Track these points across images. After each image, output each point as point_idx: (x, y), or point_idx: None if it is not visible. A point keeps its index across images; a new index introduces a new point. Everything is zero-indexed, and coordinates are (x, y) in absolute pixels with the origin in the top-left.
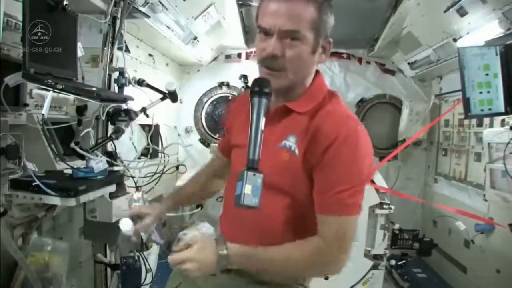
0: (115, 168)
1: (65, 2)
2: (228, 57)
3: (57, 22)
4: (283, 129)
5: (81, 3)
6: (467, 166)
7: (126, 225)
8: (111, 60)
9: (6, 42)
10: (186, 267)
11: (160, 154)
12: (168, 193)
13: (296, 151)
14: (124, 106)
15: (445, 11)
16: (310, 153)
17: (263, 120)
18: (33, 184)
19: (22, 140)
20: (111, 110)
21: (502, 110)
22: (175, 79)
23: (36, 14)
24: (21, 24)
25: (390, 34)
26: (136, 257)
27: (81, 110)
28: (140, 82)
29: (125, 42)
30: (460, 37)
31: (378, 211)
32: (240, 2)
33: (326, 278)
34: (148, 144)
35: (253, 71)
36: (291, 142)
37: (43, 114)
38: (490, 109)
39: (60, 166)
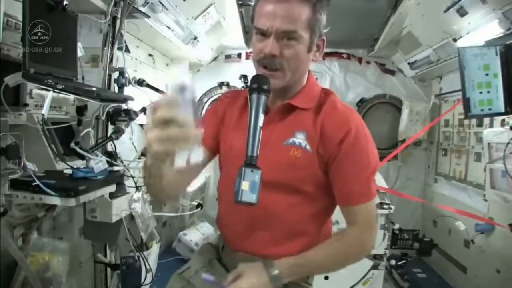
0: (115, 168)
1: (65, 2)
2: (228, 57)
3: (57, 22)
4: (289, 127)
5: (81, 3)
6: (467, 166)
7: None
8: (111, 60)
9: (6, 42)
10: None
11: None
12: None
13: (308, 147)
14: (124, 106)
15: (445, 11)
16: (323, 148)
17: (261, 117)
18: (33, 184)
19: (22, 140)
20: (111, 110)
21: (502, 110)
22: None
23: (36, 14)
24: (21, 24)
25: (390, 34)
26: (136, 257)
27: (81, 110)
28: (140, 82)
29: (125, 42)
30: (460, 37)
31: (378, 211)
32: (240, 2)
33: (326, 278)
34: None
35: (253, 71)
36: (300, 139)
37: (43, 114)
38: (490, 109)
39: (60, 166)
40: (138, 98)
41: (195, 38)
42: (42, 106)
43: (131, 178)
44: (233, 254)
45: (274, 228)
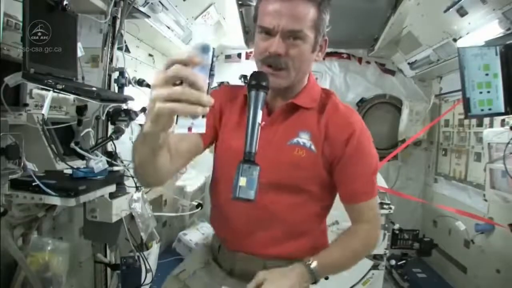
0: (115, 168)
1: (65, 2)
2: (228, 57)
3: (57, 22)
4: (292, 126)
5: (81, 3)
6: (467, 166)
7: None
8: (111, 60)
9: (6, 42)
10: None
11: None
12: (168, 193)
13: (313, 147)
14: (124, 106)
15: (445, 11)
16: (328, 149)
17: (260, 114)
18: (33, 184)
19: (22, 140)
20: (111, 110)
21: (502, 110)
22: None
23: (36, 14)
24: (21, 24)
25: (390, 34)
26: (136, 257)
27: (81, 110)
28: (140, 82)
29: (125, 42)
30: (460, 37)
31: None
32: (240, 2)
33: (326, 278)
34: None
35: (253, 71)
36: (304, 139)
37: (43, 114)
38: (490, 109)
39: (60, 166)
40: (138, 98)
41: None
42: (42, 106)
43: (131, 178)
44: (231, 254)
45: (275, 228)
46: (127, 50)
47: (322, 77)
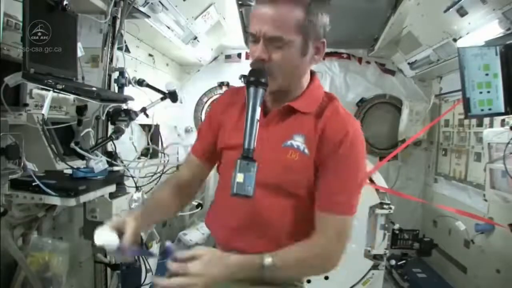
0: (115, 168)
1: (65, 2)
2: (228, 57)
3: (57, 22)
4: (287, 129)
5: (81, 3)
6: (467, 166)
7: (107, 238)
8: (111, 60)
9: (6, 42)
10: (192, 282)
11: (160, 154)
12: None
13: (306, 150)
14: (124, 106)
15: (445, 11)
16: (319, 153)
17: (258, 110)
18: (33, 184)
19: (22, 140)
20: (111, 110)
21: (502, 110)
22: (175, 79)
23: (36, 14)
24: (21, 24)
25: (390, 34)
26: (136, 257)
27: (81, 110)
28: (140, 82)
29: (125, 42)
30: (460, 37)
31: (378, 211)
32: (240, 2)
33: (326, 278)
34: (148, 144)
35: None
36: (298, 141)
37: (43, 114)
38: (490, 109)
39: (60, 166)
40: (138, 98)
41: (195, 38)
42: (42, 106)
43: (131, 178)
44: None
45: (267, 229)
46: (127, 50)
47: (322, 77)
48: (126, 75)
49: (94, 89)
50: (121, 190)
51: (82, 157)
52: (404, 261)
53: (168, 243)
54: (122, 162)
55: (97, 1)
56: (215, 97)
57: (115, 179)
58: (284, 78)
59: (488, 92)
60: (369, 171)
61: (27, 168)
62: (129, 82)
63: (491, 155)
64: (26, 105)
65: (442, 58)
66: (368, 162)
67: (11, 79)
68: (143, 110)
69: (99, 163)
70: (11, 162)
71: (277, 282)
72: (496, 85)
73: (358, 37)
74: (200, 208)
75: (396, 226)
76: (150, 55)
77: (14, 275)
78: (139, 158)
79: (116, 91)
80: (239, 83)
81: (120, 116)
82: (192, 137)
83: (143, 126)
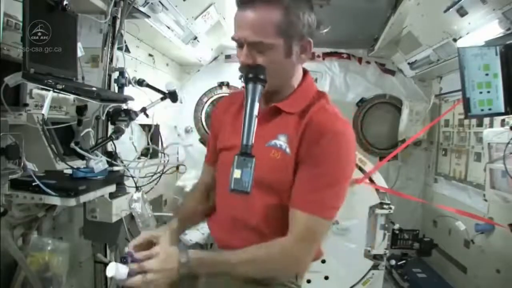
0: (115, 168)
1: (65, 2)
2: (228, 57)
3: (57, 22)
4: (273, 129)
5: (81, 3)
6: (467, 166)
7: (119, 271)
8: (111, 60)
9: (6, 42)
10: (150, 278)
11: (160, 154)
12: (168, 193)
13: (288, 150)
14: (124, 106)
15: (445, 11)
16: (299, 150)
17: (257, 106)
18: (33, 184)
19: (22, 140)
20: (111, 110)
21: (502, 110)
22: (175, 79)
23: (36, 14)
24: (21, 24)
25: (390, 34)
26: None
27: (81, 110)
28: (140, 82)
29: (125, 42)
30: (460, 37)
31: (378, 211)
32: None
33: (326, 278)
34: (148, 144)
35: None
36: (281, 141)
37: (43, 114)
38: (490, 109)
39: (60, 166)
40: (138, 98)
41: (195, 38)
42: (42, 106)
43: (131, 178)
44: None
45: (257, 226)
46: (127, 50)
47: (322, 77)
48: (126, 75)
49: (94, 89)
50: (121, 190)
51: (82, 157)
52: (404, 261)
53: (127, 249)
54: (122, 162)
55: (97, 1)
56: (215, 97)
57: (115, 179)
58: (271, 80)
59: (488, 92)
60: (369, 171)
61: (27, 168)
62: (129, 82)
63: (491, 155)
64: (26, 105)
65: (442, 58)
66: (368, 162)
67: (11, 79)
68: (143, 110)
69: (99, 163)
70: (11, 162)
71: (266, 282)
72: (496, 85)
73: (358, 37)
74: None
75: (396, 226)
76: (150, 55)
77: (14, 275)
78: (139, 158)
79: (116, 91)
80: (239, 83)
81: (120, 116)
82: (192, 137)
83: (143, 126)
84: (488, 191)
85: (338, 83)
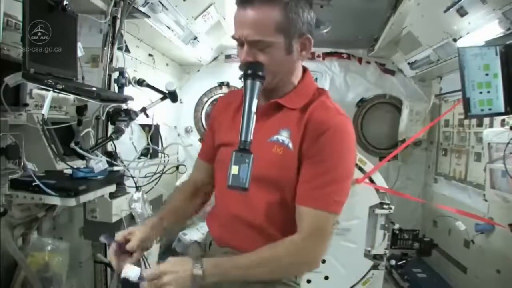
0: (115, 168)
1: (65, 2)
2: (228, 57)
3: (57, 22)
4: (275, 124)
5: (81, 3)
6: (467, 166)
7: (131, 272)
8: (111, 60)
9: (6, 42)
10: (164, 281)
11: (160, 154)
12: (168, 193)
13: (290, 145)
14: (124, 106)
15: (445, 11)
16: (302, 146)
17: (255, 102)
18: (33, 184)
19: (22, 140)
20: (111, 110)
21: (502, 110)
22: (175, 79)
23: (36, 14)
24: (21, 24)
25: (390, 34)
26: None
27: (81, 110)
28: (140, 82)
29: (125, 42)
30: (460, 37)
31: (378, 211)
32: None
33: (326, 278)
34: (148, 144)
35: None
36: (284, 136)
37: (43, 114)
38: (490, 109)
39: (60, 166)
40: (138, 98)
41: (195, 38)
42: (42, 106)
43: (131, 178)
44: (219, 250)
45: (258, 224)
46: (127, 50)
47: (322, 77)
48: (126, 75)
49: (94, 89)
50: (121, 190)
51: (82, 157)
52: (404, 261)
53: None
54: (122, 162)
55: (97, 1)
56: (215, 97)
57: (115, 179)
58: (271, 77)
59: (488, 92)
60: (369, 171)
61: (27, 168)
62: (129, 82)
63: (491, 155)
64: (26, 105)
65: (442, 58)
66: (368, 162)
67: (11, 79)
68: (143, 110)
69: (99, 163)
70: (11, 162)
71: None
72: (496, 85)
73: (358, 37)
74: None
75: (396, 226)
76: (150, 55)
77: (14, 275)
78: (139, 158)
79: (116, 91)
80: (239, 83)
81: (120, 116)
82: (192, 137)
83: (143, 126)
84: (488, 191)
85: (338, 83)
